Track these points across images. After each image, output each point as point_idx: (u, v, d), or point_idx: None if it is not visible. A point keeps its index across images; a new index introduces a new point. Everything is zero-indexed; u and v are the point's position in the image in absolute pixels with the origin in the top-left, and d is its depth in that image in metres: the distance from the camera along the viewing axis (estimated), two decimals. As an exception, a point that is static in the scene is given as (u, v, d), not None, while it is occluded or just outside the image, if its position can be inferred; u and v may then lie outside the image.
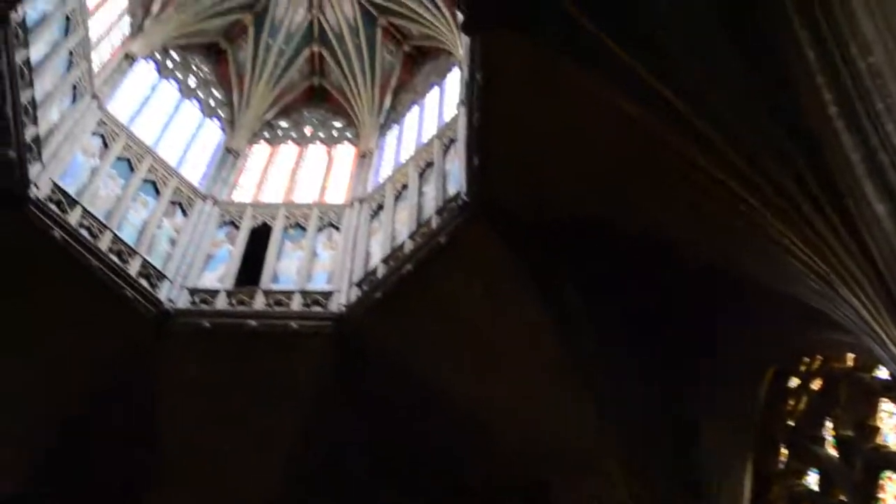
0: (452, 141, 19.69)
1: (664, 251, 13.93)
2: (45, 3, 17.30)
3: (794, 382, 14.35)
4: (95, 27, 20.93)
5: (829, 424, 13.58)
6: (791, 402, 14.27)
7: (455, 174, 18.28)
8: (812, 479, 13.82)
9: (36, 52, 17.01)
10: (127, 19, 23.41)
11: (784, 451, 14.24)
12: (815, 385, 14.03)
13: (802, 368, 14.22)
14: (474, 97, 15.33)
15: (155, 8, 24.38)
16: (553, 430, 15.83)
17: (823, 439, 13.60)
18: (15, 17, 15.07)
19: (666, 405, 14.82)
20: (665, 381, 14.87)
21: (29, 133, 16.67)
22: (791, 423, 14.15)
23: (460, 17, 17.05)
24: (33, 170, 17.03)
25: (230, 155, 24.47)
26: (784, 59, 9.20)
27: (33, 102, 16.86)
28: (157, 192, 20.88)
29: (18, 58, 15.76)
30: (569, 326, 15.58)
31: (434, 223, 17.31)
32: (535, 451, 16.23)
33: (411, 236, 17.96)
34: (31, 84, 16.63)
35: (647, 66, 11.77)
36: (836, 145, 8.24)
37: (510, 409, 16.40)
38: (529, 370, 15.99)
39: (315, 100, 27.54)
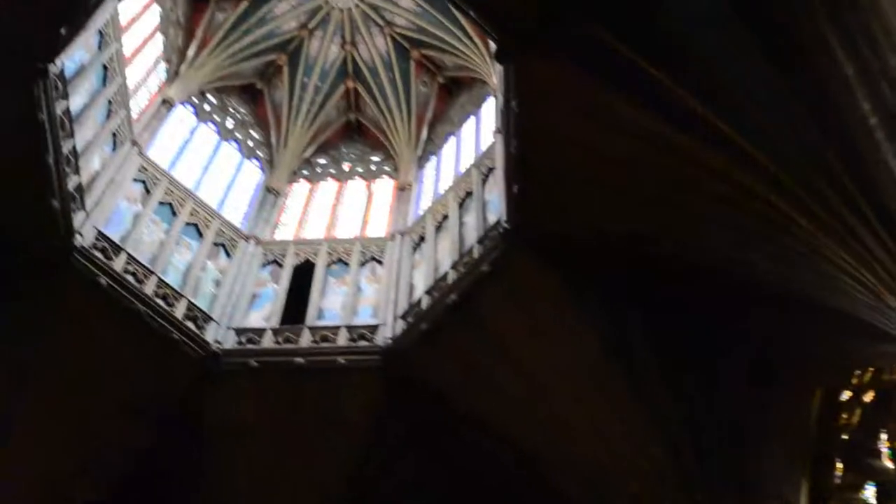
0: (491, 169, 19.75)
1: (708, 272, 13.89)
2: (82, 53, 17.69)
3: (845, 396, 14.19)
4: (132, 75, 21.36)
5: (883, 437, 13.41)
6: (844, 416, 14.13)
7: (495, 202, 18.31)
8: (869, 493, 13.63)
9: (75, 102, 17.37)
10: (163, 65, 23.88)
11: (839, 465, 14.06)
12: (868, 397, 13.87)
13: (854, 381, 14.07)
14: (510, 125, 15.36)
15: (190, 53, 24.87)
16: (606, 458, 15.69)
17: (879, 452, 13.41)
18: (53, 68, 15.32)
19: (721, 426, 14.68)
20: (719, 400, 14.76)
21: (71, 182, 17.01)
22: (845, 436, 13.98)
23: (493, 46, 17.24)
24: (77, 218, 17.38)
25: (270, 194, 24.72)
26: (823, 75, 9.19)
27: (74, 152, 17.22)
28: (200, 234, 21.16)
29: (58, 109, 16.08)
30: (618, 350, 15.46)
31: (476, 252, 17.31)
32: (588, 478, 16.08)
33: (454, 266, 17.97)
34: (71, 134, 16.97)
35: (684, 85, 11.82)
36: (878, 156, 8.19)
37: (562, 437, 16.27)
38: (580, 395, 15.89)
39: (352, 135, 27.80)
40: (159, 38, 23.31)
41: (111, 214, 19.01)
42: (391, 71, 26.51)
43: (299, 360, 18.16)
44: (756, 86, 10.64)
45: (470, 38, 23.88)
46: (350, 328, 18.91)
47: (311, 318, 19.61)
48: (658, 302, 15.00)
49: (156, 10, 22.86)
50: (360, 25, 26.37)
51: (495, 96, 21.04)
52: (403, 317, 18.49)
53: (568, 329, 15.52)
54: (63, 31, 15.00)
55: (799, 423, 14.22)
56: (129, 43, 20.82)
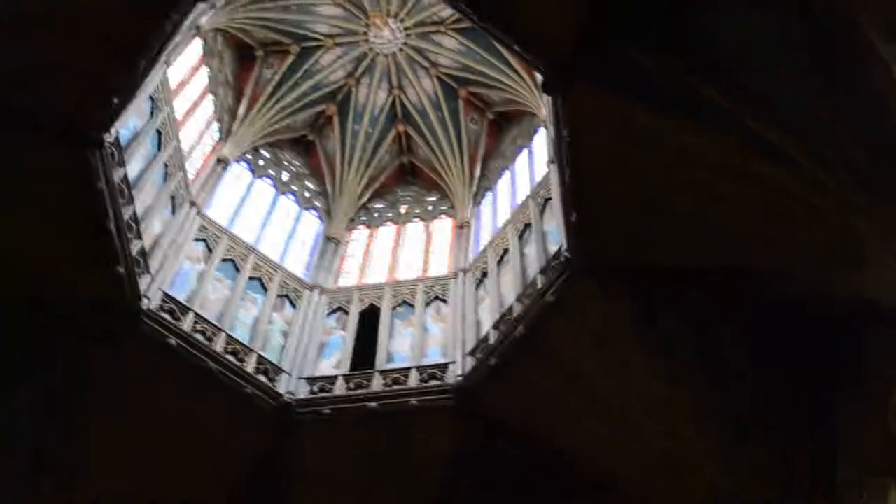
0: (547, 200, 19.78)
1: (772, 286, 13.81)
2: (135, 120, 18.12)
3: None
4: (186, 136, 21.86)
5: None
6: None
7: (554, 232, 18.32)
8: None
9: (132, 168, 17.80)
10: (215, 125, 24.41)
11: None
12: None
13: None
14: (563, 154, 15.44)
15: (240, 111, 25.40)
16: (687, 474, 15.48)
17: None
18: (108, 137, 15.74)
19: (802, 435, 14.46)
20: (797, 413, 14.55)
21: (134, 247, 17.37)
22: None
23: (540, 78, 17.35)
24: (143, 282, 17.75)
25: (331, 243, 25.00)
26: (875, 85, 9.17)
27: (135, 217, 17.62)
28: (264, 288, 21.43)
29: (116, 176, 16.49)
30: (689, 373, 15.31)
31: (539, 283, 17.30)
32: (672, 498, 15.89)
33: (518, 299, 17.98)
34: (131, 200, 17.38)
35: (738, 104, 11.83)
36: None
37: (643, 462, 16.10)
38: (655, 420, 15.73)
39: (407, 178, 28.06)
40: (209, 98, 23.83)
41: (175, 275, 19.39)
42: (440, 111, 26.74)
43: (372, 404, 18.23)
44: (807, 99, 10.64)
45: (516, 72, 24.07)
46: (420, 369, 18.97)
47: (380, 361, 19.71)
48: (732, 320, 14.89)
49: (204, 71, 23.39)
50: (405, 69, 26.68)
51: (546, 127, 21.16)
52: (472, 353, 18.50)
53: (633, 351, 15.41)
54: (115, 100, 15.39)
55: (882, 424, 13.94)
56: (180, 106, 21.31)
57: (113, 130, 15.96)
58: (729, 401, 15.03)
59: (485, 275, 20.89)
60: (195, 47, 22.35)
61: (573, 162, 15.11)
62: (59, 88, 14.58)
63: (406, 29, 25.80)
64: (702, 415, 15.18)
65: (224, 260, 21.18)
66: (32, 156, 14.97)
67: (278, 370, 19.11)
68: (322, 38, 26.13)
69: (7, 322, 16.05)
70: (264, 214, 24.50)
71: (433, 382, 18.45)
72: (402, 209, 26.89)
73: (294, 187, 26.44)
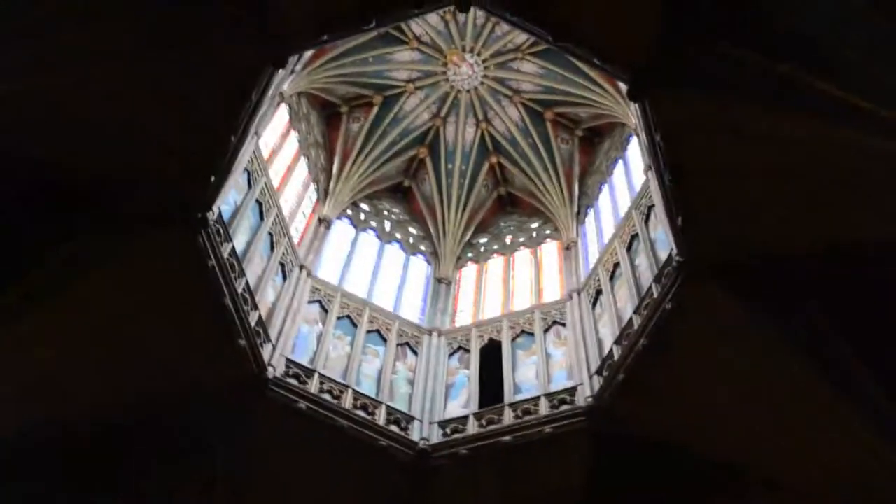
0: (650, 207, 19.62)
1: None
2: (235, 194, 18.66)
3: None
4: (286, 202, 22.45)
5: None
6: None
7: (662, 239, 18.15)
8: None
9: (238, 241, 18.36)
10: (312, 186, 24.99)
11: None
12: None
13: None
14: (659, 159, 15.36)
15: (334, 169, 25.95)
16: (838, 470, 15.05)
17: None
18: (211, 216, 16.25)
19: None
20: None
21: (252, 319, 17.85)
22: None
23: (624, 87, 17.30)
24: (265, 352, 18.19)
25: (441, 284, 25.22)
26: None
27: (248, 289, 18.10)
28: (383, 339, 21.73)
29: (224, 252, 16.99)
30: (831, 357, 14.91)
31: (655, 292, 17.12)
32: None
33: (636, 311, 17.83)
34: (242, 273, 17.88)
35: (820, 76, 11.66)
36: None
37: (796, 457, 15.71)
38: (800, 409, 15.32)
39: (506, 208, 28.15)
40: (302, 161, 24.41)
41: (296, 340, 19.85)
42: (530, 136, 26.80)
43: (506, 438, 18.22)
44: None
45: (599, 86, 23.95)
46: (549, 396, 18.92)
47: (508, 394, 19.72)
48: (865, 306, 14.47)
49: (293, 136, 23.97)
50: (489, 101, 26.87)
51: (637, 135, 21.06)
52: (598, 372, 18.39)
53: (762, 341, 15.07)
54: (213, 178, 15.89)
55: None
56: (275, 173, 21.90)
57: (215, 208, 16.48)
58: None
59: (599, 292, 20.80)
60: (281, 114, 22.93)
61: (670, 165, 15.02)
62: (157, 174, 15.12)
63: (484, 61, 26.02)
64: (855, 401, 14.70)
65: (340, 318, 21.57)
66: (143, 245, 15.50)
67: (409, 418, 19.28)
68: (402, 84, 26.54)
69: (147, 405, 16.57)
70: (373, 266, 24.90)
71: (564, 408, 18.36)
72: (507, 240, 26.97)
73: (398, 235, 26.79)
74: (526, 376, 20.25)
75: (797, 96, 12.43)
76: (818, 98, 12.24)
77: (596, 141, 26.50)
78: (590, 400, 17.98)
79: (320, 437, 17.90)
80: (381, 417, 18.82)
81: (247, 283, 17.99)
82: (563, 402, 18.57)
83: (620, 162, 23.96)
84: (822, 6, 11.68)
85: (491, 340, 21.88)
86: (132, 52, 13.85)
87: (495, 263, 26.30)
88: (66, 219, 14.72)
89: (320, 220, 24.51)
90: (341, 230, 25.46)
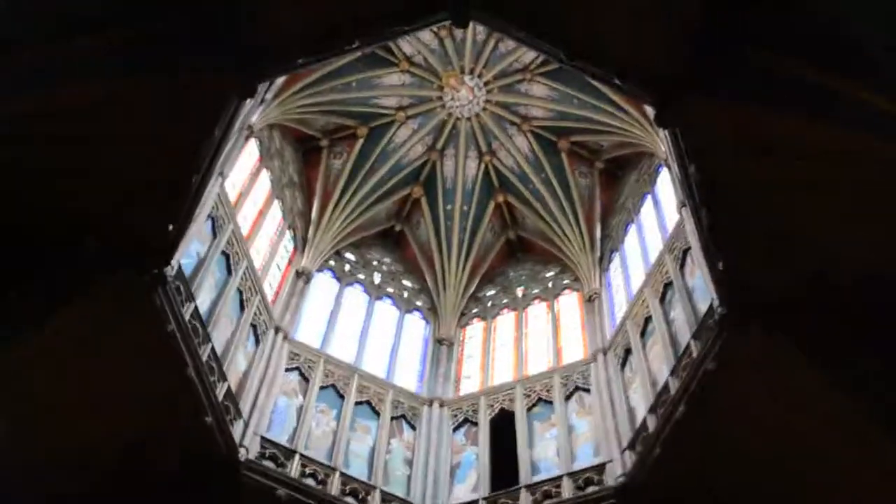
0: (686, 250, 19.59)
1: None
2: (197, 245, 18.64)
3: None
4: (257, 254, 22.44)
5: None
6: None
7: (700, 287, 18.10)
8: None
9: (202, 300, 18.31)
10: (287, 234, 24.94)
11: None
12: None
13: None
14: (695, 193, 15.26)
15: (314, 213, 25.92)
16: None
17: None
18: (169, 271, 16.09)
19: None
20: None
21: (220, 391, 17.81)
22: None
23: (650, 110, 17.27)
24: (236, 430, 18.16)
25: (442, 346, 25.22)
26: None
27: (215, 356, 18.07)
28: (375, 412, 21.69)
29: (186, 313, 16.91)
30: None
31: (694, 350, 17.04)
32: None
33: (673, 373, 17.75)
34: (207, 339, 17.83)
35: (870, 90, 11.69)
36: None
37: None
38: (864, 473, 15.17)
39: (516, 255, 28.24)
40: (276, 205, 24.45)
41: (272, 415, 19.83)
42: (542, 171, 26.89)
43: (524, 526, 18.17)
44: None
45: (621, 109, 23.97)
46: (573, 475, 18.86)
47: (524, 475, 19.62)
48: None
49: (265, 176, 23.99)
50: (493, 130, 27.03)
51: (668, 166, 20.99)
52: (631, 447, 18.30)
53: (821, 396, 14.90)
54: (171, 227, 15.73)
55: None
56: (244, 220, 21.93)
57: (174, 262, 16.34)
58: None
59: (628, 352, 20.75)
60: (250, 150, 22.96)
61: (708, 200, 14.95)
62: (111, 218, 14.94)
63: (486, 84, 26.18)
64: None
65: (324, 387, 21.53)
66: (99, 306, 15.34)
67: (408, 505, 19.23)
68: (392, 112, 26.71)
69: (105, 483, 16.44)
70: (361, 327, 24.87)
71: (591, 489, 18.31)
72: (519, 292, 26.96)
73: (389, 289, 26.78)
74: (545, 453, 20.15)
75: (843, 109, 12.41)
76: (865, 110, 12.22)
77: (620, 174, 26.55)
78: (622, 479, 17.90)
79: (303, 529, 17.82)
80: (375, 505, 18.76)
81: (213, 350, 17.95)
82: (589, 482, 18.52)
83: (649, 198, 23.94)
84: (868, 9, 11.71)
85: (502, 411, 21.82)
86: (94, 74, 13.80)
87: (505, 320, 26.26)
88: (25, 258, 14.62)
89: (298, 274, 24.52)
90: (323, 285, 25.46)
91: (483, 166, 27.56)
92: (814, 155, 12.85)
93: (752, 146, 13.39)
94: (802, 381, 14.83)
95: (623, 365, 20.88)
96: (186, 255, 17.68)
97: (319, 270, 25.60)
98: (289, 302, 23.38)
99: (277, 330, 21.94)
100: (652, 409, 18.07)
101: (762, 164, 13.56)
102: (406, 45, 25.56)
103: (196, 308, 17.57)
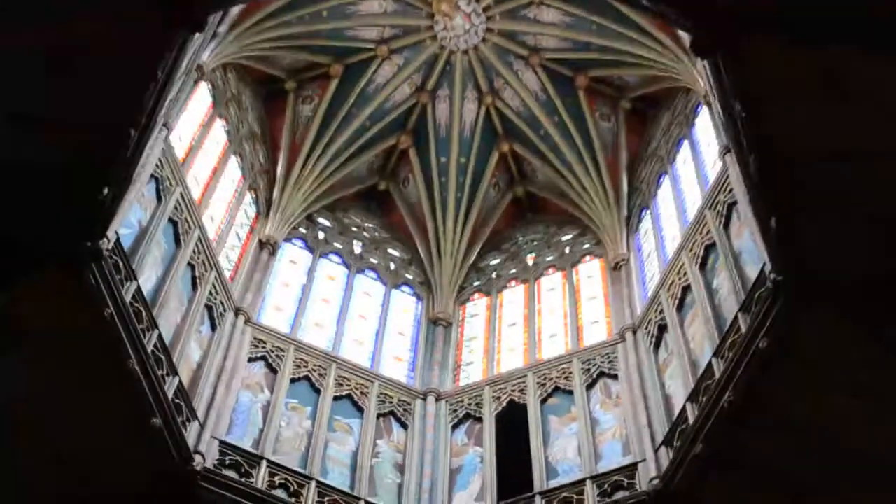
0: (731, 206, 19.53)
1: None
2: (138, 212, 18.52)
3: None
4: (212, 221, 22.41)
5: None
6: None
7: (749, 249, 18.07)
8: None
9: (147, 279, 18.27)
10: (248, 197, 24.86)
11: None
12: None
13: None
14: (742, 137, 15.14)
15: (279, 170, 25.86)
16: None
17: None
18: (105, 244, 15.91)
19: None
20: None
21: (170, 387, 17.73)
22: None
23: (685, 36, 17.16)
24: (190, 433, 18.14)
25: (438, 327, 25.27)
26: None
27: (163, 346, 17.95)
28: (358, 408, 21.74)
29: (126, 294, 16.73)
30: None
31: (743, 325, 16.96)
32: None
33: (718, 353, 17.70)
34: (153, 324, 17.74)
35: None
36: None
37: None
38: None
39: (526, 215, 28.36)
40: (233, 161, 24.45)
41: (233, 415, 19.81)
42: (555, 113, 26.86)
43: (540, 541, 18.27)
44: None
45: (650, 36, 23.79)
46: (597, 479, 18.90)
47: (539, 479, 19.66)
48: None
49: (219, 127, 23.92)
50: (496, 65, 27.01)
51: (708, 104, 20.92)
52: (667, 443, 18.30)
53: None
54: (106, 191, 15.46)
55: None
56: (195, 180, 21.88)
57: (111, 233, 16.22)
58: None
59: (663, 329, 20.78)
60: (201, 96, 22.89)
61: (758, 145, 14.84)
62: (34, 187, 14.80)
63: (485, 9, 26.14)
64: None
65: (295, 380, 21.55)
66: (20, 289, 15.23)
67: (400, 519, 19.30)
68: (372, 45, 26.67)
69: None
70: (338, 306, 24.90)
71: (619, 495, 18.36)
72: (530, 260, 27.04)
73: (373, 260, 26.85)
74: (564, 452, 20.20)
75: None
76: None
77: (650, 115, 26.53)
78: (656, 483, 17.86)
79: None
80: (360, 521, 18.84)
81: (160, 338, 17.89)
82: (618, 487, 18.55)
83: (686, 143, 23.93)
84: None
85: (512, 403, 21.87)
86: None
87: (513, 294, 26.34)
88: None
89: (262, 244, 24.54)
90: (292, 256, 25.53)
91: (484, 109, 27.56)
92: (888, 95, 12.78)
93: (811, 80, 13.28)
94: (874, 365, 14.85)
95: (656, 345, 20.92)
96: (125, 224, 17.58)
97: (287, 239, 25.65)
98: (251, 278, 23.40)
99: (238, 312, 21.95)
100: (692, 398, 18.03)
101: (825, 101, 13.47)
102: (388, -37, 25.52)
103: (139, 288, 17.46)
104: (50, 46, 13.58)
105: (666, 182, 24.38)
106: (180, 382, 18.27)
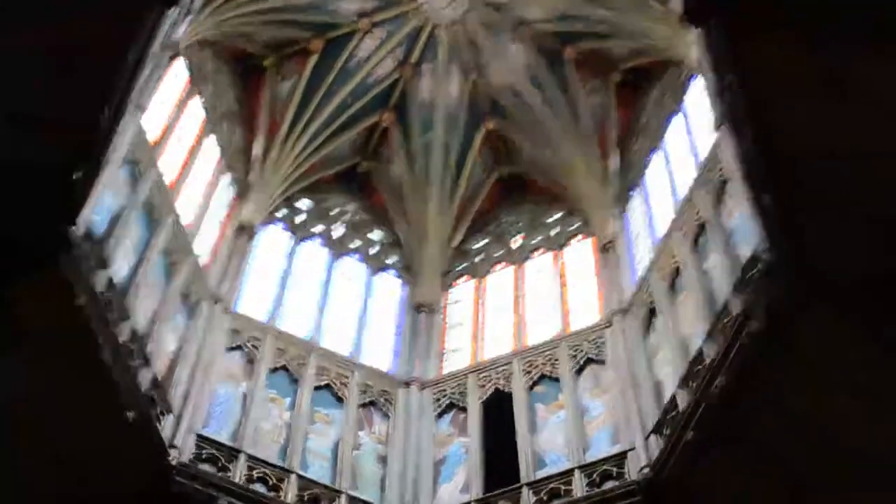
0: (724, 183, 19.55)
1: None
2: (110, 198, 18.48)
3: None
4: (187, 205, 22.41)
5: None
6: None
7: (742, 228, 18.07)
8: None
9: (119, 267, 18.30)
10: (226, 178, 24.95)
11: None
12: None
13: None
14: (735, 109, 15.20)
15: (256, 149, 25.96)
16: None
17: None
18: (76, 231, 15.79)
19: None
20: None
21: (143, 379, 17.77)
22: None
23: (675, 3, 17.23)
24: (166, 427, 18.26)
25: (421, 313, 25.38)
26: None
27: (136, 337, 18.00)
28: (339, 398, 21.91)
29: (98, 284, 16.72)
30: None
31: (734, 308, 16.99)
32: None
33: (710, 336, 17.73)
34: (125, 314, 17.77)
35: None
36: None
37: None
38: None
39: (512, 195, 28.41)
40: (210, 141, 24.44)
41: (210, 407, 19.97)
42: (541, 88, 26.92)
43: (527, 533, 18.38)
44: None
45: (641, 4, 23.73)
46: (585, 468, 19.03)
47: (526, 470, 19.78)
48: None
49: (194, 107, 23.90)
50: (481, 38, 27.06)
51: (703, 75, 20.95)
52: (657, 430, 18.40)
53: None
54: (76, 175, 15.50)
55: None
56: (170, 163, 21.84)
57: (81, 221, 16.07)
58: None
59: (653, 312, 20.89)
60: (175, 74, 22.82)
61: (751, 117, 14.88)
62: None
63: (471, -21, 26.15)
64: None
65: (274, 370, 21.69)
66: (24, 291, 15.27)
67: (384, 513, 19.41)
68: (353, 19, 26.67)
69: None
70: (319, 293, 25.04)
71: (609, 485, 18.48)
72: (516, 241, 27.14)
73: (354, 243, 26.97)
74: (551, 442, 20.36)
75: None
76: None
77: (641, 88, 26.41)
78: (646, 472, 18.02)
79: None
80: (342, 513, 18.92)
81: (133, 330, 17.93)
82: (607, 476, 18.70)
83: (678, 118, 23.93)
84: None
85: (497, 391, 22.03)
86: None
87: (500, 278, 26.45)
88: None
89: (240, 229, 24.62)
90: (271, 241, 25.66)
91: (469, 85, 27.64)
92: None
93: (807, 59, 13.40)
94: (873, 354, 14.96)
95: (647, 329, 21.03)
96: (97, 210, 17.47)
97: (266, 223, 25.75)
98: (228, 264, 23.49)
99: (215, 300, 22.03)
100: (683, 383, 18.10)
101: (823, 86, 13.57)
102: (367, -69, 25.49)
103: (110, 278, 17.47)
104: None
105: (656, 159, 24.41)
106: (155, 375, 18.31)
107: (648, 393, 19.54)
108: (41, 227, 15.25)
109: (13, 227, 14.85)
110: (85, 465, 16.69)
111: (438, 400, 22.37)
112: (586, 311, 23.64)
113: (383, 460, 20.88)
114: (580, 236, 26.18)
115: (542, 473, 19.62)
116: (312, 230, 26.74)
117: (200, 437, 18.92)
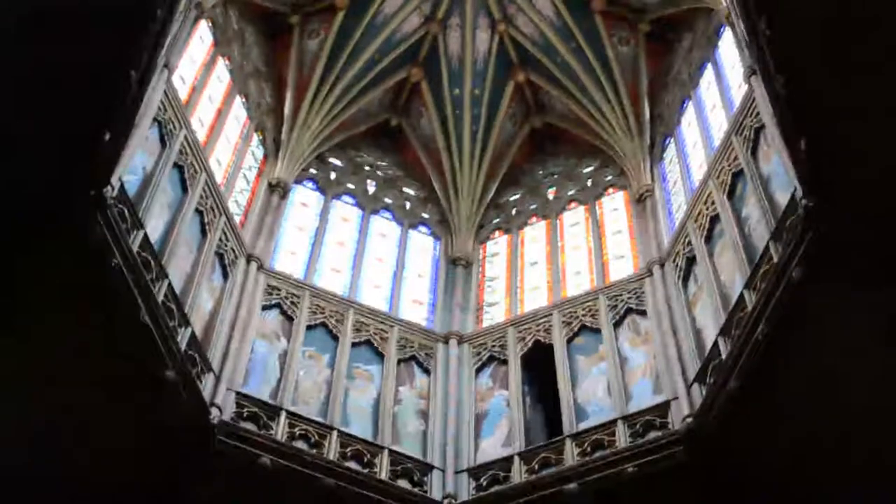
0: (759, 130, 19.44)
1: None
2: (143, 157, 18.47)
3: None
4: (219, 164, 22.42)
5: None
6: None
7: (779, 174, 17.97)
8: None
9: (154, 227, 18.24)
10: (255, 138, 24.89)
11: None
12: None
13: None
14: (767, 56, 15.06)
15: (286, 109, 25.85)
16: None
17: None
18: (109, 192, 15.78)
19: None
20: None
21: (183, 338, 17.78)
22: None
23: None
24: (206, 386, 18.28)
25: (457, 267, 25.33)
26: None
27: (173, 295, 17.95)
28: (378, 354, 21.86)
29: (134, 244, 16.67)
30: None
31: (775, 254, 16.89)
32: None
33: (749, 285, 17.68)
34: (162, 273, 17.73)
35: None
36: None
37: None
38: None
39: (545, 147, 28.32)
40: (238, 101, 24.44)
41: (249, 365, 19.92)
42: (571, 39, 26.72)
43: (571, 486, 18.34)
44: None
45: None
46: (628, 419, 18.98)
47: (568, 422, 19.74)
48: None
49: (222, 66, 23.89)
50: (507, -11, 26.79)
51: (732, 24, 20.77)
52: (700, 379, 18.36)
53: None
54: (108, 136, 15.37)
55: None
56: (200, 122, 21.89)
57: (114, 180, 16.07)
58: None
59: (691, 261, 20.81)
60: (201, 35, 22.82)
61: (784, 64, 14.74)
62: (32, 140, 14.73)
63: (496, -71, 25.98)
64: None
65: (311, 327, 21.65)
66: (25, 240, 15.17)
67: (425, 467, 19.52)
68: (380, -27, 26.42)
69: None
70: (353, 249, 24.99)
71: (652, 435, 18.40)
72: (550, 194, 27.05)
73: (388, 200, 26.87)
74: (592, 393, 20.29)
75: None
76: None
77: (671, 38, 26.33)
78: (689, 421, 17.95)
79: (298, 500, 18.07)
80: (383, 469, 19.02)
81: (170, 288, 17.89)
82: (650, 426, 18.63)
83: (709, 67, 23.82)
84: None
85: (537, 344, 21.97)
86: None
87: (535, 231, 26.38)
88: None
89: (272, 187, 24.56)
90: (303, 199, 25.58)
91: (497, 38, 27.48)
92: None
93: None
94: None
95: (685, 278, 20.96)
96: (130, 170, 17.48)
97: (298, 181, 25.66)
98: (262, 223, 23.45)
99: (249, 258, 22.02)
100: (724, 331, 18.05)
101: (856, 19, 13.37)
102: None
103: (146, 236, 17.42)
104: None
105: (690, 108, 24.30)
106: (193, 333, 18.33)
107: (690, 342, 19.50)
108: (75, 191, 15.19)
109: (48, 193, 14.84)
110: (127, 425, 16.70)
111: (479, 353, 22.36)
112: (624, 262, 23.65)
113: (424, 415, 20.87)
114: (615, 188, 26.07)
115: (584, 425, 19.56)
116: (346, 186, 26.64)
117: (241, 396, 18.93)
